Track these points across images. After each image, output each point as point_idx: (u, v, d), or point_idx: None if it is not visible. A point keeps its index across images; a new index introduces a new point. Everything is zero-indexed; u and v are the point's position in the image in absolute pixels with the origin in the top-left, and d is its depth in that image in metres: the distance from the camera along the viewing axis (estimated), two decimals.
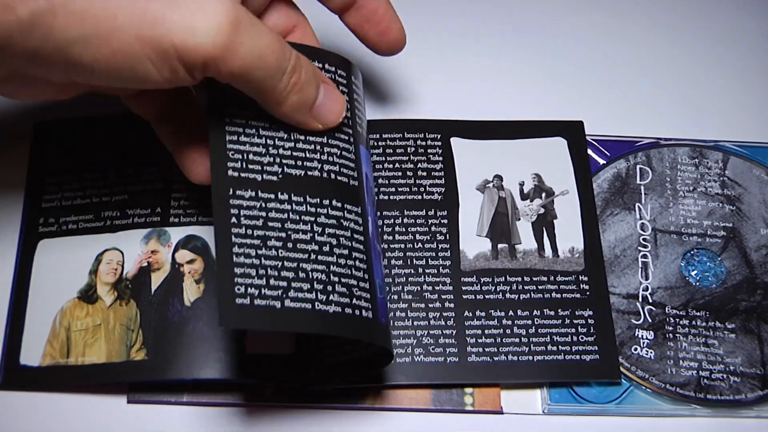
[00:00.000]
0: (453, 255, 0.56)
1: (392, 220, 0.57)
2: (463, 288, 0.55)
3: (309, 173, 0.47)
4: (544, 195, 0.58)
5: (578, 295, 0.55)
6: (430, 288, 0.55)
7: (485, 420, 0.53)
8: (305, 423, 0.53)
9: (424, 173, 0.58)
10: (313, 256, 0.45)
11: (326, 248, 0.46)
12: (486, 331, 0.54)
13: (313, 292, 0.44)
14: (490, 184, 0.58)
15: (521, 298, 0.55)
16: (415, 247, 0.56)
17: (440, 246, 0.56)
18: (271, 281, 0.44)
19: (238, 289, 0.43)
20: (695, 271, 0.57)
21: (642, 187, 0.60)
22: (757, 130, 0.63)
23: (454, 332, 0.54)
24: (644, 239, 0.58)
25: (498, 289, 0.55)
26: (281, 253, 0.45)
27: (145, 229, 0.56)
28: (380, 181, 0.58)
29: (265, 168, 0.46)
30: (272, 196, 0.46)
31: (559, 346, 0.54)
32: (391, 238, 0.56)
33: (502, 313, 0.54)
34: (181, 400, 0.53)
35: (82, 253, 0.56)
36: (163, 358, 0.52)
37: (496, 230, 0.57)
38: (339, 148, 0.49)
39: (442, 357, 0.53)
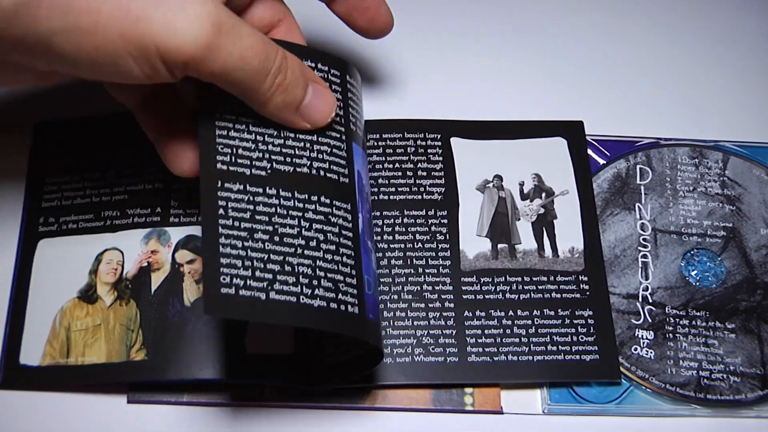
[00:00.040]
0: (453, 255, 0.56)
1: (392, 220, 0.57)
2: (463, 288, 0.55)
3: (298, 169, 0.47)
4: (544, 195, 0.58)
5: (578, 295, 0.55)
6: (430, 288, 0.55)
7: (485, 420, 0.53)
8: (305, 423, 0.53)
9: (424, 173, 0.58)
10: (299, 250, 0.45)
11: (313, 243, 0.46)
12: (486, 331, 0.54)
13: (298, 286, 0.44)
14: (490, 184, 0.58)
15: (521, 298, 0.55)
16: (415, 247, 0.56)
17: (440, 246, 0.56)
18: (257, 273, 0.44)
19: (224, 279, 0.43)
20: (695, 271, 0.57)
21: (642, 187, 0.60)
22: (757, 130, 0.63)
23: (454, 332, 0.54)
24: (644, 239, 0.58)
25: (498, 289, 0.55)
26: (268, 246, 0.45)
27: (145, 229, 0.56)
28: (380, 181, 0.58)
29: (254, 163, 0.47)
30: (260, 190, 0.46)
31: (559, 346, 0.54)
32: (391, 238, 0.56)
33: (502, 313, 0.54)
34: (181, 400, 0.53)
35: (82, 252, 0.56)
36: (163, 358, 0.52)
37: (496, 230, 0.57)
38: (330, 146, 0.49)
39: (442, 357, 0.53)
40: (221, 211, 0.45)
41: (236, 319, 0.43)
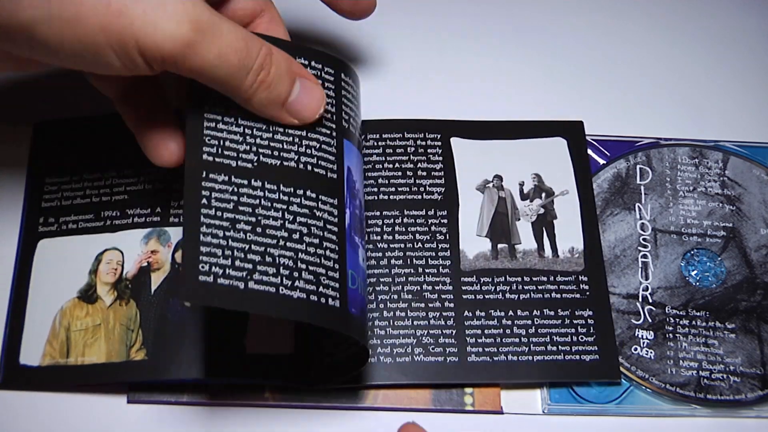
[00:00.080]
0: (453, 255, 0.56)
1: (392, 220, 0.57)
2: (463, 288, 0.55)
3: (285, 163, 0.48)
4: (543, 195, 0.58)
5: (578, 295, 0.55)
6: (429, 288, 0.55)
7: (485, 420, 0.53)
8: (305, 423, 0.53)
9: (424, 173, 0.58)
10: (281, 242, 0.46)
11: (296, 236, 0.46)
12: (486, 331, 0.54)
13: (278, 277, 0.45)
14: (490, 184, 0.58)
15: (521, 298, 0.55)
16: (415, 246, 0.56)
17: (440, 246, 0.56)
18: (237, 262, 0.44)
19: (203, 267, 0.44)
20: (695, 271, 0.57)
21: (642, 187, 0.60)
22: (757, 130, 0.63)
23: (454, 332, 0.54)
24: (644, 239, 0.58)
25: (498, 289, 0.55)
26: (249, 236, 0.45)
27: (145, 229, 0.56)
28: (380, 180, 0.58)
29: (240, 155, 0.47)
30: (245, 182, 0.47)
31: (559, 346, 0.54)
32: (391, 237, 0.56)
33: (502, 313, 0.54)
34: (181, 400, 0.53)
35: (81, 252, 0.56)
36: (163, 358, 0.52)
37: (496, 230, 0.57)
38: (319, 142, 0.49)
39: (442, 357, 0.53)
40: (204, 200, 0.45)
41: (214, 308, 0.44)
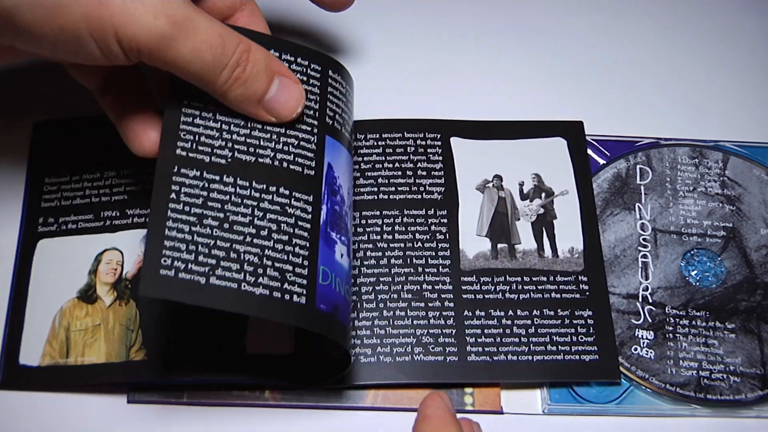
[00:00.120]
0: (453, 254, 0.56)
1: (392, 220, 0.57)
2: (463, 287, 0.55)
3: (260, 160, 0.48)
4: (543, 195, 0.58)
5: (578, 296, 0.55)
6: (429, 287, 0.55)
7: (485, 420, 0.53)
8: (305, 423, 0.53)
9: (424, 173, 0.58)
10: (248, 239, 0.46)
11: (264, 232, 0.47)
12: (485, 331, 0.54)
13: (241, 273, 0.45)
14: (490, 184, 0.58)
15: (521, 297, 0.55)
16: (415, 246, 0.56)
17: (440, 245, 0.56)
18: (200, 258, 0.45)
19: (164, 261, 0.44)
20: (695, 271, 0.57)
21: (642, 187, 0.60)
22: (757, 130, 0.63)
23: (454, 331, 0.54)
24: (644, 239, 0.58)
25: (498, 289, 0.55)
26: (216, 232, 0.46)
27: (145, 229, 0.56)
28: (380, 180, 0.58)
29: (215, 151, 0.48)
30: (217, 177, 0.47)
31: (559, 346, 0.54)
32: (390, 237, 0.56)
33: (502, 313, 0.54)
34: (181, 400, 0.53)
35: (81, 253, 0.56)
36: (163, 358, 0.52)
37: (496, 230, 0.57)
38: (298, 139, 0.49)
39: (442, 356, 0.53)
40: (173, 195, 0.46)
41: (175, 302, 0.44)
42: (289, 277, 0.46)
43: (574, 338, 0.54)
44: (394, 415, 0.53)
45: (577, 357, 0.53)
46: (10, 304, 0.54)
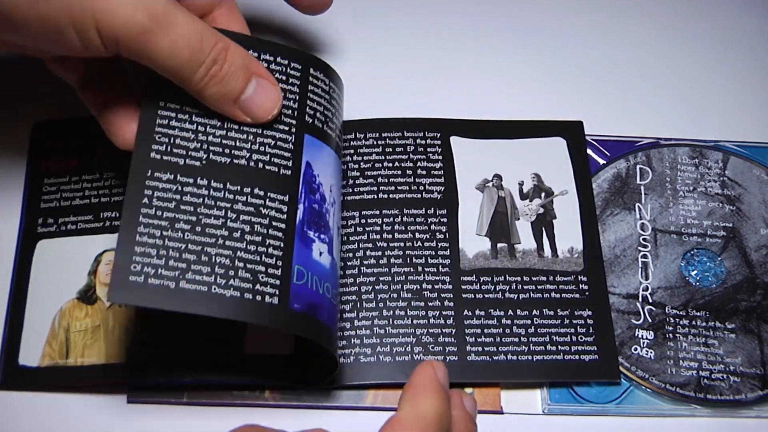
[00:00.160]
0: (452, 254, 0.56)
1: (391, 219, 0.57)
2: (463, 287, 0.55)
3: (235, 161, 0.49)
4: (543, 195, 0.58)
5: (577, 296, 0.55)
6: (429, 287, 0.55)
7: (485, 420, 0.53)
8: (305, 423, 0.53)
9: (424, 172, 0.58)
10: (220, 241, 0.46)
11: (237, 234, 0.47)
12: (485, 330, 0.54)
13: (212, 276, 0.45)
14: (490, 184, 0.58)
15: (520, 297, 0.55)
16: (415, 245, 0.56)
17: (440, 245, 0.56)
18: (171, 262, 0.45)
19: (134, 267, 0.44)
20: (695, 271, 0.57)
21: (642, 187, 0.60)
22: (757, 130, 0.63)
23: (454, 331, 0.54)
24: (644, 239, 0.58)
25: (497, 289, 0.55)
26: (187, 235, 0.46)
27: None
28: (380, 179, 0.58)
29: (189, 153, 0.48)
30: (191, 180, 0.47)
31: (559, 346, 0.54)
32: (390, 236, 0.56)
33: (502, 313, 0.54)
34: (181, 400, 0.53)
35: (81, 253, 0.56)
36: (163, 359, 0.52)
37: (496, 229, 0.57)
38: (275, 139, 0.50)
39: (442, 356, 0.53)
40: (145, 200, 0.46)
41: (146, 307, 0.45)
42: (262, 278, 0.47)
43: (574, 338, 0.54)
44: None
45: (577, 357, 0.53)
46: (10, 304, 0.54)
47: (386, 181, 0.58)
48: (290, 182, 0.49)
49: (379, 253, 0.56)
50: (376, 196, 0.57)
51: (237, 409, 0.53)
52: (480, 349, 0.53)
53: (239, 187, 0.48)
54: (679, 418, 0.54)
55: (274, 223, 0.48)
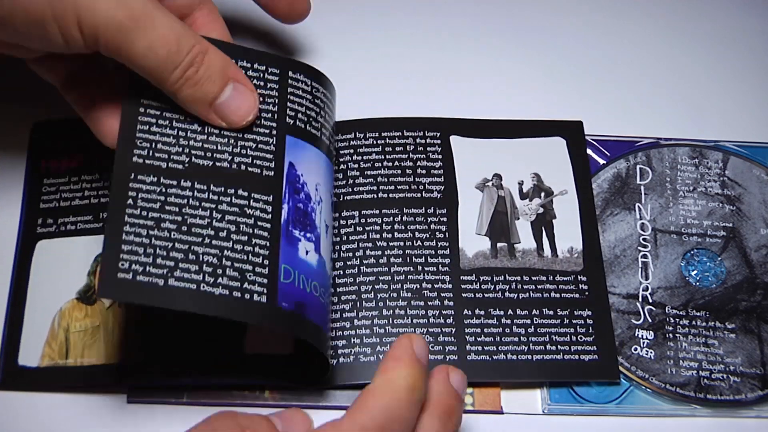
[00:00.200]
0: (452, 253, 0.56)
1: (391, 218, 0.57)
2: (462, 286, 0.55)
3: (218, 164, 0.49)
4: (543, 194, 0.58)
5: (577, 295, 0.55)
6: (429, 286, 0.55)
7: (485, 420, 0.53)
8: None
9: (424, 171, 0.58)
10: (207, 240, 0.47)
11: (223, 234, 0.47)
12: (485, 330, 0.54)
13: (200, 274, 0.46)
14: (490, 183, 0.58)
15: (520, 297, 0.55)
16: (415, 245, 0.56)
17: (439, 244, 0.56)
18: (158, 260, 0.46)
19: (122, 265, 0.45)
20: (695, 271, 0.57)
21: (642, 187, 0.60)
22: (757, 130, 0.63)
23: (453, 330, 0.54)
24: (644, 239, 0.58)
25: (497, 288, 0.55)
26: (174, 235, 0.47)
27: None
28: (379, 179, 0.58)
29: (172, 157, 0.48)
30: (174, 182, 0.48)
31: (558, 346, 0.54)
32: (390, 236, 0.56)
33: (501, 312, 0.54)
34: (181, 400, 0.53)
35: (80, 254, 0.56)
36: (163, 359, 0.52)
37: (496, 229, 0.57)
38: (256, 142, 0.50)
39: (441, 355, 0.53)
40: (130, 201, 0.47)
41: (136, 304, 0.45)
42: (249, 276, 0.47)
43: (574, 338, 0.54)
44: None
45: (577, 357, 0.53)
46: (10, 304, 0.54)
47: (386, 180, 0.58)
48: (273, 183, 0.50)
49: (379, 252, 0.56)
50: (375, 196, 0.57)
51: (237, 409, 0.53)
52: (480, 348, 0.53)
53: (223, 189, 0.48)
54: (679, 418, 0.54)
55: (259, 223, 0.48)
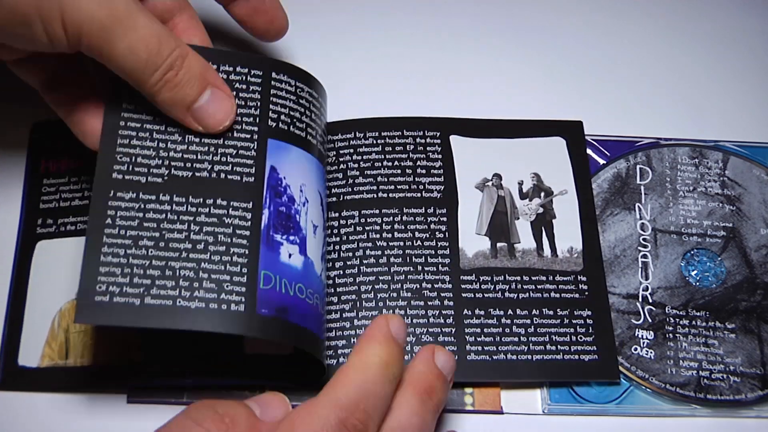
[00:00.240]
0: (452, 253, 0.56)
1: (391, 218, 0.57)
2: (462, 286, 0.55)
3: (197, 174, 0.49)
4: (542, 194, 0.58)
5: (577, 295, 0.55)
6: (429, 286, 0.55)
7: (485, 420, 0.53)
8: None
9: (423, 171, 0.58)
10: (184, 254, 0.47)
11: (200, 246, 0.48)
12: (485, 330, 0.54)
13: (176, 289, 0.46)
14: (489, 183, 0.58)
15: (520, 297, 0.55)
16: (415, 244, 0.56)
17: (439, 244, 0.56)
18: (135, 279, 0.46)
19: (99, 287, 0.45)
20: (695, 271, 0.57)
21: (642, 187, 0.60)
22: (757, 130, 0.63)
23: (453, 330, 0.54)
24: (644, 239, 0.58)
25: (497, 288, 0.55)
26: (151, 252, 0.47)
27: None
28: (379, 179, 0.58)
29: (151, 170, 0.49)
30: (153, 197, 0.48)
31: (558, 346, 0.54)
32: (390, 236, 0.56)
33: (501, 312, 0.54)
34: (181, 400, 0.53)
35: (80, 254, 0.55)
36: (162, 359, 0.52)
37: (495, 229, 0.57)
38: (236, 148, 0.51)
39: None
40: (108, 220, 0.47)
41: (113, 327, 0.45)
42: (227, 286, 0.47)
43: (574, 338, 0.54)
44: None
45: (577, 357, 0.53)
46: (9, 305, 0.54)
47: (386, 180, 0.58)
48: (254, 189, 0.50)
49: (379, 252, 0.56)
50: (375, 196, 0.57)
51: None
52: (479, 348, 0.53)
53: (201, 200, 0.49)
54: (679, 418, 0.54)
55: (238, 231, 0.49)
